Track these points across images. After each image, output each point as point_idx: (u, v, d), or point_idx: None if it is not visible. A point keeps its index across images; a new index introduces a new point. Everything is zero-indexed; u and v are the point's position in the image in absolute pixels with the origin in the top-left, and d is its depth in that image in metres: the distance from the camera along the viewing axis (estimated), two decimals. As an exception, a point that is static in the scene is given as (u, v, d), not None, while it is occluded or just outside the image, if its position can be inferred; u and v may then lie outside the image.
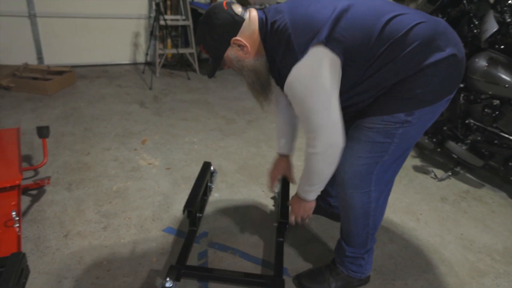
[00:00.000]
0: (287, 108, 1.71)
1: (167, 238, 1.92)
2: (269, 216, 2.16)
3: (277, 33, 1.28)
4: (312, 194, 1.53)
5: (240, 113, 3.55)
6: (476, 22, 2.50)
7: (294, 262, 1.84)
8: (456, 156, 2.67)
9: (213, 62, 1.43)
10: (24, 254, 1.22)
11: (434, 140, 2.83)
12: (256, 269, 1.77)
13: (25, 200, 2.08)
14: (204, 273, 1.66)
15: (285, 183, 2.04)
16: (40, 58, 4.25)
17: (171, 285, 1.47)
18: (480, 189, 2.62)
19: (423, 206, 2.38)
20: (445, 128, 2.75)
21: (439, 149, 2.83)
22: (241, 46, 1.34)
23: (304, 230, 2.07)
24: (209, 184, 2.21)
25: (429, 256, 1.97)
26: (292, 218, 1.67)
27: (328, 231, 2.08)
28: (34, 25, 4.07)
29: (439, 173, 2.75)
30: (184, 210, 1.78)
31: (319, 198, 2.16)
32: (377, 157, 1.40)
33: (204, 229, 2.00)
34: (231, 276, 1.63)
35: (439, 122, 2.77)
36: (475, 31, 2.50)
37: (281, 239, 1.83)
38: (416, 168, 2.82)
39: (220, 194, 2.31)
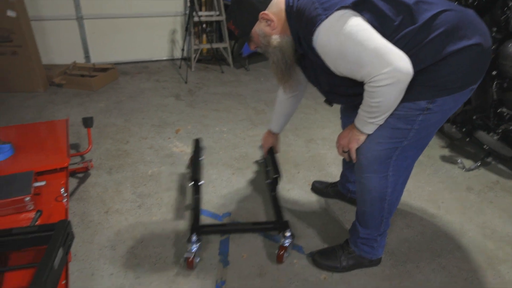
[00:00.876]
0: (292, 98, 1.88)
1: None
2: (290, 200, 2.29)
3: (301, 7, 1.30)
4: (371, 127, 1.41)
5: (270, 104, 3.68)
6: (511, 4, 2.37)
7: (310, 242, 1.96)
8: (486, 146, 2.63)
9: (241, 36, 1.49)
10: (69, 221, 1.43)
11: (464, 129, 2.79)
12: (273, 246, 1.92)
13: (73, 182, 2.36)
14: (219, 227, 1.99)
15: (272, 151, 2.22)
16: (87, 56, 4.61)
17: (196, 239, 1.73)
18: (511, 180, 2.58)
19: (446, 195, 2.40)
20: (474, 117, 2.69)
21: (468, 139, 2.79)
22: (268, 21, 1.39)
23: (322, 214, 2.18)
24: (200, 158, 2.42)
25: (445, 242, 2.01)
26: (339, 150, 1.60)
27: (345, 215, 2.18)
28: (81, 27, 4.43)
29: (468, 163, 2.73)
30: (191, 182, 2.11)
31: (338, 184, 2.26)
32: (396, 143, 1.43)
33: (228, 210, 2.17)
34: (243, 226, 1.97)
35: (468, 111, 2.73)
36: (508, 14, 2.38)
37: (274, 193, 2.14)
38: (444, 158, 2.82)
39: (246, 179, 2.47)
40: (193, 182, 2.06)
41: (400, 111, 1.36)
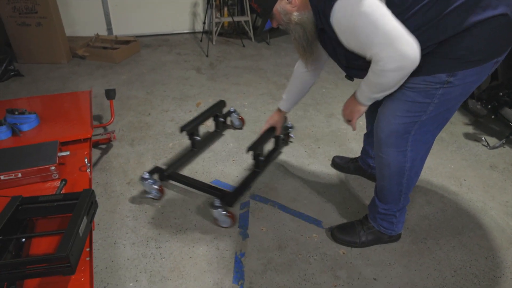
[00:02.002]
0: (310, 73, 1.82)
1: (213, 189, 2.13)
2: (310, 175, 2.28)
3: None
4: (370, 101, 1.46)
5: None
6: None
7: (329, 217, 1.97)
8: (512, 124, 2.55)
9: (263, 14, 1.50)
10: (92, 190, 1.47)
11: (489, 106, 2.70)
12: (293, 220, 1.93)
13: (96, 153, 2.42)
14: (180, 178, 2.11)
15: (271, 129, 2.16)
16: (109, 29, 4.62)
17: (147, 176, 1.98)
18: (537, 159, 2.50)
19: (468, 173, 2.34)
20: (501, 93, 2.60)
21: (493, 116, 2.70)
22: None
23: (342, 189, 2.17)
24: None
25: (466, 220, 1.98)
26: (344, 119, 1.65)
27: (365, 191, 2.16)
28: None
29: (492, 141, 2.65)
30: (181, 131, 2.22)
31: (359, 160, 2.23)
32: (415, 117, 1.41)
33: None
34: (198, 184, 2.06)
35: (494, 87, 2.63)
36: None
37: (257, 170, 2.20)
38: (467, 136, 2.74)
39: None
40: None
41: (419, 85, 1.34)
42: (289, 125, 2.54)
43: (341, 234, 1.81)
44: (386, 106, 1.46)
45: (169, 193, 2.09)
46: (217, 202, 1.83)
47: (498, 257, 1.76)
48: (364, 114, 1.91)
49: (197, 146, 2.41)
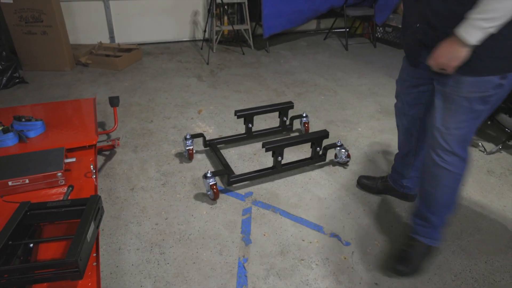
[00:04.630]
0: None
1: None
2: (310, 180, 2.31)
3: None
4: (477, 34, 1.22)
5: (290, 86, 3.67)
6: None
7: (330, 222, 1.99)
8: (508, 130, 2.59)
9: None
10: (99, 197, 1.50)
11: None
12: (294, 226, 1.96)
13: (100, 159, 2.45)
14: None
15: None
16: (112, 37, 4.67)
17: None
18: (534, 164, 2.53)
19: (466, 178, 2.38)
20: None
21: (489, 122, 2.74)
22: None
23: (342, 195, 2.20)
24: None
25: (465, 224, 2.01)
26: (436, 68, 1.41)
27: (365, 197, 2.19)
28: (107, 8, 4.48)
29: (489, 146, 2.69)
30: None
31: (389, 180, 2.16)
32: (473, 124, 1.44)
33: (250, 190, 2.22)
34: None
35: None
36: None
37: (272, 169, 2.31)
38: (467, 142, 2.78)
39: (266, 160, 2.50)
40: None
41: (475, 94, 1.35)
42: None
43: (397, 264, 1.72)
44: (444, 118, 1.46)
45: (172, 199, 2.12)
46: (209, 173, 2.08)
47: (498, 261, 1.79)
48: (401, 132, 1.91)
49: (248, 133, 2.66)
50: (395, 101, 1.88)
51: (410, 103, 1.76)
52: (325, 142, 2.42)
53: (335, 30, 5.64)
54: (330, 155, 2.51)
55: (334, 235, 1.91)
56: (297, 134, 2.84)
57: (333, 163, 2.48)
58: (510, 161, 2.56)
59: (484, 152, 2.64)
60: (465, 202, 2.17)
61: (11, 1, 3.48)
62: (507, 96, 2.26)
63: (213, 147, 2.47)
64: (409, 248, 1.74)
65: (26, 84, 3.54)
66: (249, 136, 2.67)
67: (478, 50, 1.27)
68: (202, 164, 2.44)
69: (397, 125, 1.95)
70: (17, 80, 3.50)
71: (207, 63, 4.23)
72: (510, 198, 2.21)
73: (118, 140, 2.50)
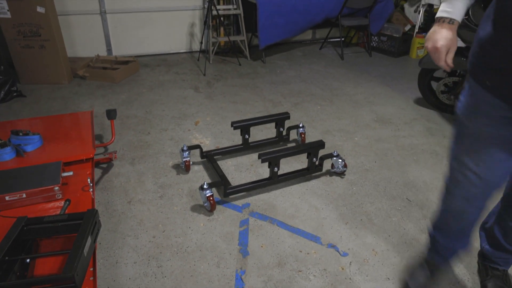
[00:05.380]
0: None
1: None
2: (307, 191, 2.32)
3: None
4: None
5: (287, 96, 3.70)
6: None
7: (327, 233, 1.99)
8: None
9: None
10: (97, 211, 1.50)
11: None
12: (292, 236, 1.96)
13: (97, 172, 2.45)
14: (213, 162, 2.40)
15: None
16: (109, 49, 4.71)
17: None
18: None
19: (464, 187, 2.39)
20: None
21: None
22: None
23: (339, 205, 2.20)
24: None
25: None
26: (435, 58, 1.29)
27: (362, 206, 2.19)
28: (104, 21, 4.52)
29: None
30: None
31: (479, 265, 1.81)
32: None
33: (247, 201, 2.22)
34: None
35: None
36: None
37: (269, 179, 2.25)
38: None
39: (263, 171, 2.51)
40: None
41: None
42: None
43: None
44: None
45: (169, 211, 2.12)
46: (205, 185, 2.09)
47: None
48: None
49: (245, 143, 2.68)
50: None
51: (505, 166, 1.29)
52: (322, 152, 2.43)
53: (331, 40, 5.69)
54: (327, 165, 2.53)
55: (331, 246, 1.91)
56: (293, 144, 2.86)
57: (329, 173, 2.50)
58: None
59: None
60: None
61: (9, 16, 3.52)
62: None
63: (210, 159, 2.48)
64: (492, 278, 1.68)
65: (24, 97, 3.55)
66: (245, 147, 2.68)
67: None
68: (199, 175, 2.45)
69: (462, 211, 1.50)
70: (14, 94, 3.51)
71: (204, 74, 4.26)
72: None
73: (115, 153, 2.51)
